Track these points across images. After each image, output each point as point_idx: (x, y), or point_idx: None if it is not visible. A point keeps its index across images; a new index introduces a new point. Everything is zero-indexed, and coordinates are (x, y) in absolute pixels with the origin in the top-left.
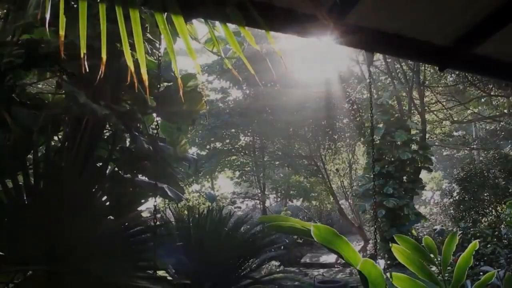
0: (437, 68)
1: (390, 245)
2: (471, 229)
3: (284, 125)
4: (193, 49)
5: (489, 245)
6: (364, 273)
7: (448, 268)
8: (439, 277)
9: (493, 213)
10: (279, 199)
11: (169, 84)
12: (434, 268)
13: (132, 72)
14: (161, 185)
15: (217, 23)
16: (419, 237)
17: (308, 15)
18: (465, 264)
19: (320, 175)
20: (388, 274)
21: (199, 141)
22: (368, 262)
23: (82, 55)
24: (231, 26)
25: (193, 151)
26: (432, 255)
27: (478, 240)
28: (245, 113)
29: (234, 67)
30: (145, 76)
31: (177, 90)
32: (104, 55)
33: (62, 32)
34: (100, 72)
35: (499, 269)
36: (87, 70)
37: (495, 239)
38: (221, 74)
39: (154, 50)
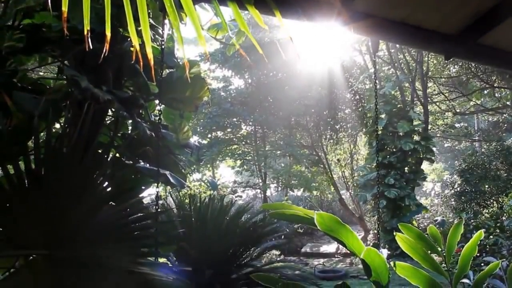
0: (441, 58)
1: (395, 233)
2: (472, 220)
3: (286, 115)
4: (200, 30)
5: (491, 236)
6: (368, 262)
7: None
8: (442, 266)
9: (495, 204)
10: (280, 189)
11: (172, 70)
12: (437, 258)
13: (138, 50)
14: (163, 171)
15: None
16: (420, 228)
17: (316, 1)
18: (470, 253)
19: (322, 165)
20: (391, 263)
21: (200, 130)
22: (372, 250)
23: (86, 32)
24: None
25: (194, 139)
26: (435, 245)
27: (481, 231)
28: (247, 102)
29: (237, 56)
30: (150, 55)
31: (180, 76)
32: (108, 32)
33: (64, 8)
34: (104, 50)
35: (503, 260)
36: (91, 48)
37: (497, 230)
38: (223, 62)
39: (157, 36)
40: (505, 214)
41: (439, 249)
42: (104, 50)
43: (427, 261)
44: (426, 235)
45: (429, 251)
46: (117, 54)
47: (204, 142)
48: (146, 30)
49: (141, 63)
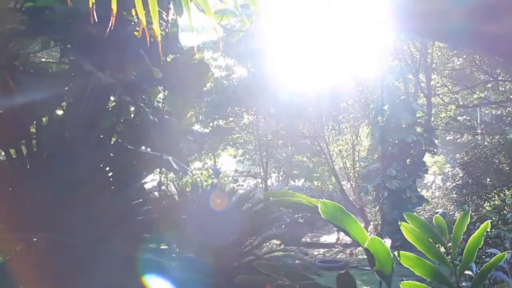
0: (446, 50)
1: (400, 223)
2: (474, 213)
3: (288, 104)
4: (213, 16)
5: (493, 229)
6: (371, 251)
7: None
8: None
9: (496, 198)
10: (281, 179)
11: (176, 56)
12: (442, 249)
13: (144, 26)
14: (166, 157)
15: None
16: None
17: None
18: (476, 244)
19: (323, 156)
20: (396, 253)
21: (202, 118)
22: (376, 239)
23: (90, 5)
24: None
25: (196, 128)
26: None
27: (488, 221)
28: (249, 91)
29: (240, 44)
30: (157, 32)
31: (184, 62)
32: (114, 6)
33: None
34: (110, 24)
35: (509, 252)
36: (96, 21)
37: (500, 222)
38: (226, 51)
39: (161, 21)
40: (506, 208)
41: (444, 239)
42: (110, 24)
43: (432, 252)
44: (431, 225)
45: (435, 241)
46: (121, 38)
47: (206, 130)
48: (153, 4)
49: (147, 39)
